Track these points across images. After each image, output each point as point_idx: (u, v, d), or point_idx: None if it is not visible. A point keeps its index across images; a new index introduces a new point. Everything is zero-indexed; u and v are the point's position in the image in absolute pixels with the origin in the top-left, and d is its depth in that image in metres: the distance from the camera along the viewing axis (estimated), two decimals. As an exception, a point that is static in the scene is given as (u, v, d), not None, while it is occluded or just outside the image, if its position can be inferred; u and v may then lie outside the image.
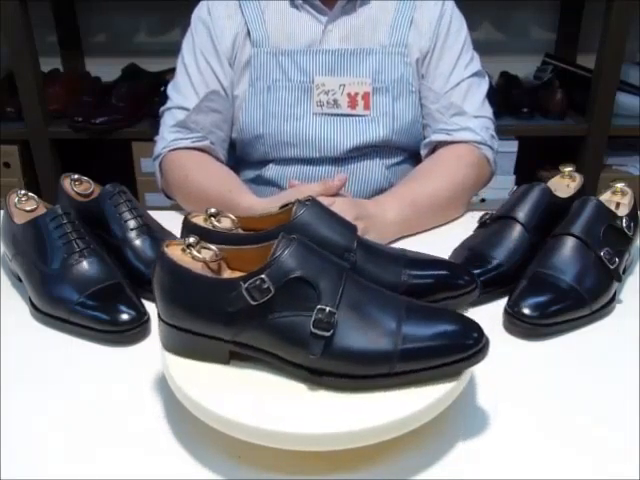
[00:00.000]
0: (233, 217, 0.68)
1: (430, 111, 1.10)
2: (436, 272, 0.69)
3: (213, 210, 0.68)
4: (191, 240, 0.58)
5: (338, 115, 1.07)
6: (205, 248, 0.59)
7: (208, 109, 1.07)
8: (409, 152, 1.15)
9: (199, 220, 0.68)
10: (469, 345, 0.53)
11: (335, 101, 1.07)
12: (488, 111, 1.11)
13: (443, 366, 0.52)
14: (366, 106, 1.07)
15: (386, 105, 1.07)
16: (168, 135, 1.07)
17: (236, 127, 1.11)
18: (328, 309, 0.52)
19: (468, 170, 1.04)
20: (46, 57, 1.96)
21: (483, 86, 1.11)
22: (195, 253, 0.58)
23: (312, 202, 0.65)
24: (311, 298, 0.52)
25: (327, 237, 0.63)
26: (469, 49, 1.11)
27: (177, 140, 1.06)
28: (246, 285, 0.52)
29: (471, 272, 0.70)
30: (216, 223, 0.67)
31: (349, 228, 0.66)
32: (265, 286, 0.52)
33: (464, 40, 1.10)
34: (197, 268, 0.57)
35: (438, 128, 1.09)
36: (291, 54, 1.06)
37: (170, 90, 1.11)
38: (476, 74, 1.10)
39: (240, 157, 1.16)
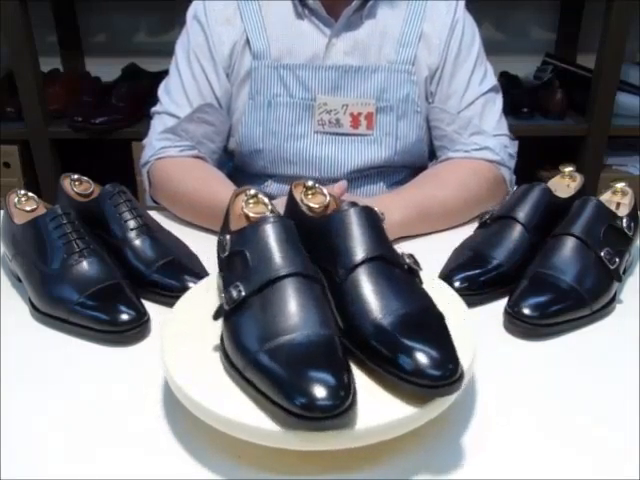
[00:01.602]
0: (326, 194, 0.69)
1: (446, 133, 1.05)
2: (407, 341, 0.52)
3: (310, 184, 0.69)
4: (250, 192, 0.67)
5: (340, 134, 1.05)
6: (263, 203, 0.67)
7: (200, 120, 1.04)
8: (411, 170, 1.12)
9: (297, 191, 0.70)
10: (299, 405, 0.47)
11: (337, 120, 1.04)
12: (504, 127, 1.08)
13: (277, 406, 0.49)
14: (369, 126, 1.04)
15: (390, 125, 1.04)
16: (156, 143, 1.04)
17: (235, 139, 1.08)
18: (241, 288, 0.55)
19: (480, 184, 1.00)
20: (46, 57, 1.96)
21: (498, 102, 1.08)
22: (243, 204, 0.66)
23: (359, 208, 0.61)
24: (243, 275, 0.57)
25: (341, 244, 0.60)
26: (482, 61, 1.07)
27: (165, 148, 1.04)
28: (219, 238, 0.60)
29: (456, 367, 0.50)
30: (303, 197, 0.69)
31: (371, 248, 0.59)
32: (224, 244, 0.60)
33: (477, 52, 1.06)
34: (235, 213, 0.67)
35: (456, 148, 1.05)
36: (293, 68, 1.02)
37: (162, 92, 1.07)
38: (491, 89, 1.06)
39: (239, 167, 1.14)
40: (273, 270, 0.56)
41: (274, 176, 1.09)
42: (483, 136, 1.04)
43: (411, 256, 0.61)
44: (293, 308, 0.54)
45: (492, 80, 1.07)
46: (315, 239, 0.61)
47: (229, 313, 0.56)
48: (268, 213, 0.66)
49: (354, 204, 0.62)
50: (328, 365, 0.50)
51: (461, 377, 0.50)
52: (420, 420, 0.51)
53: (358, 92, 1.03)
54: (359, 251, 0.58)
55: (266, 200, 0.67)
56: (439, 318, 0.56)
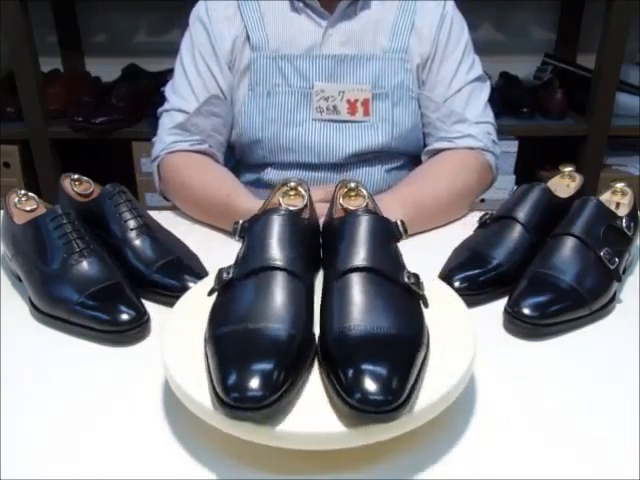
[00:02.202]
0: (365, 194, 0.68)
1: (431, 120, 1.09)
2: (359, 359, 0.50)
3: (353, 185, 0.69)
4: (291, 184, 0.68)
5: (338, 121, 1.07)
6: (302, 196, 0.68)
7: (208, 113, 1.06)
8: (409, 157, 1.15)
9: (339, 192, 0.70)
10: (224, 388, 0.49)
11: (335, 107, 1.07)
12: (490, 116, 1.11)
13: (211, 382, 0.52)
14: (365, 112, 1.07)
15: (386, 111, 1.07)
16: (167, 137, 1.07)
17: (235, 131, 1.11)
18: (230, 271, 0.58)
19: (471, 174, 1.04)
20: (46, 57, 1.96)
21: (485, 91, 1.11)
22: (281, 195, 0.68)
23: (374, 216, 0.61)
24: (238, 259, 0.60)
25: (342, 247, 0.59)
26: (470, 53, 1.11)
27: (176, 143, 1.06)
28: (236, 220, 0.63)
29: (396, 397, 0.48)
30: (342, 198, 0.69)
31: (370, 257, 0.57)
32: (235, 227, 0.62)
33: (465, 44, 1.10)
34: (272, 203, 0.69)
35: (440, 136, 1.09)
36: (291, 59, 1.06)
37: (168, 91, 1.10)
38: (478, 79, 1.10)
39: (239, 160, 1.16)
40: (260, 260, 0.58)
41: (273, 164, 1.11)
42: (466, 124, 1.07)
43: (415, 276, 0.59)
44: (267, 301, 0.55)
45: (479, 70, 1.11)
46: (332, 240, 0.62)
47: (218, 292, 0.59)
48: (302, 203, 0.67)
49: (372, 212, 0.61)
50: (267, 359, 0.50)
51: (399, 408, 0.48)
52: (420, 420, 0.51)
53: (354, 79, 1.07)
54: (356, 258, 0.57)
55: (305, 193, 0.68)
56: (413, 345, 0.53)
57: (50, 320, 0.72)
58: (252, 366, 0.49)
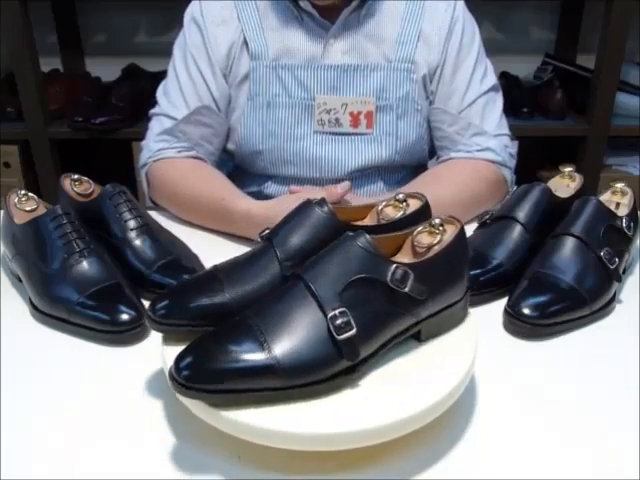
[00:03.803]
0: (448, 232, 0.62)
1: (447, 134, 1.05)
2: (219, 334, 0.53)
3: (437, 221, 0.62)
4: (399, 196, 0.70)
5: (340, 134, 1.04)
6: (399, 208, 0.71)
7: (198, 122, 1.04)
8: (411, 169, 1.12)
9: (423, 229, 0.63)
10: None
11: (337, 120, 1.03)
12: (505, 127, 1.08)
13: None
14: (369, 125, 1.04)
15: (390, 124, 1.04)
16: (154, 144, 1.05)
17: (234, 139, 1.08)
18: (264, 233, 0.64)
19: (480, 184, 1.00)
20: (46, 57, 1.96)
21: (499, 101, 1.08)
22: (387, 204, 0.71)
23: (360, 244, 0.54)
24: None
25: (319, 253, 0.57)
26: (483, 59, 1.06)
27: (162, 150, 1.04)
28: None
29: (184, 375, 0.51)
30: (418, 235, 0.63)
31: (306, 270, 0.54)
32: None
33: (478, 49, 1.05)
34: (372, 207, 0.72)
35: (457, 149, 1.05)
36: (292, 68, 1.02)
37: (160, 94, 1.08)
38: (492, 88, 1.06)
39: (239, 166, 1.14)
40: (276, 235, 0.62)
41: (274, 177, 1.09)
42: (484, 137, 1.04)
43: (348, 323, 0.51)
44: (241, 266, 0.61)
45: (492, 79, 1.07)
46: None
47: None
48: (398, 215, 0.69)
49: (371, 244, 0.54)
50: (194, 296, 0.58)
51: (188, 390, 0.50)
52: (421, 421, 0.51)
53: (357, 91, 1.03)
54: (305, 266, 0.55)
55: (401, 205, 0.70)
56: (264, 369, 0.50)
57: (50, 320, 0.72)
58: (178, 293, 0.60)
